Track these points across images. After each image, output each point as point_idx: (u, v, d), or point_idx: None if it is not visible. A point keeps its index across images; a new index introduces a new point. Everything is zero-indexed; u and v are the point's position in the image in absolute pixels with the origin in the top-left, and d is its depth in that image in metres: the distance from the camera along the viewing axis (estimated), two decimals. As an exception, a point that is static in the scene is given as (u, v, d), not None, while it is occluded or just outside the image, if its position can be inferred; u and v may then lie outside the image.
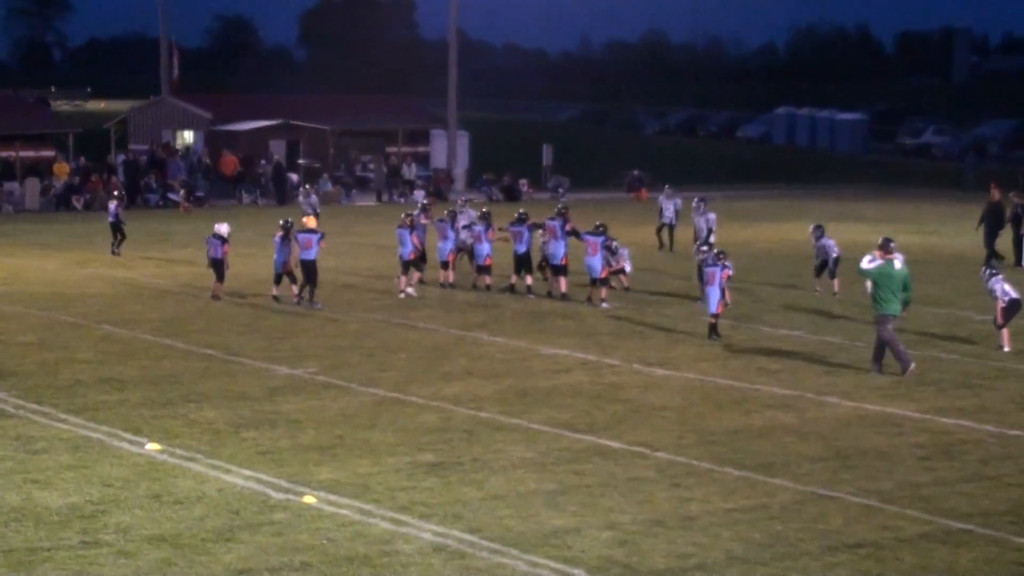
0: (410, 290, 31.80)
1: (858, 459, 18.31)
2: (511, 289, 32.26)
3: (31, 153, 59.86)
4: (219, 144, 61.76)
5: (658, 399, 21.74)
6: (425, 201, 37.34)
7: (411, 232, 31.64)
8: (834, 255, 32.22)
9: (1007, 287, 26.03)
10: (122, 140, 65.78)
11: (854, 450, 18.76)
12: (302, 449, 18.47)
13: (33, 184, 55.36)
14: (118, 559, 14.21)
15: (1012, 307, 25.96)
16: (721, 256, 27.01)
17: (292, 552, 14.46)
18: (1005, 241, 39.74)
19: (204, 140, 63.27)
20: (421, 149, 68.17)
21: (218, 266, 31.00)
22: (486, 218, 33.14)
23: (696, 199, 38.18)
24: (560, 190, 61.96)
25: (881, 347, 23.77)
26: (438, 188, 60.25)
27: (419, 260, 32.04)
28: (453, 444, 18.81)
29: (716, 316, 26.82)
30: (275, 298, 30.63)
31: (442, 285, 32.92)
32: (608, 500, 16.37)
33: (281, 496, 16.34)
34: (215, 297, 31.00)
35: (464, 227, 33.91)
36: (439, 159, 67.35)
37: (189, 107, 65.18)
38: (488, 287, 32.57)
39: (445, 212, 34.84)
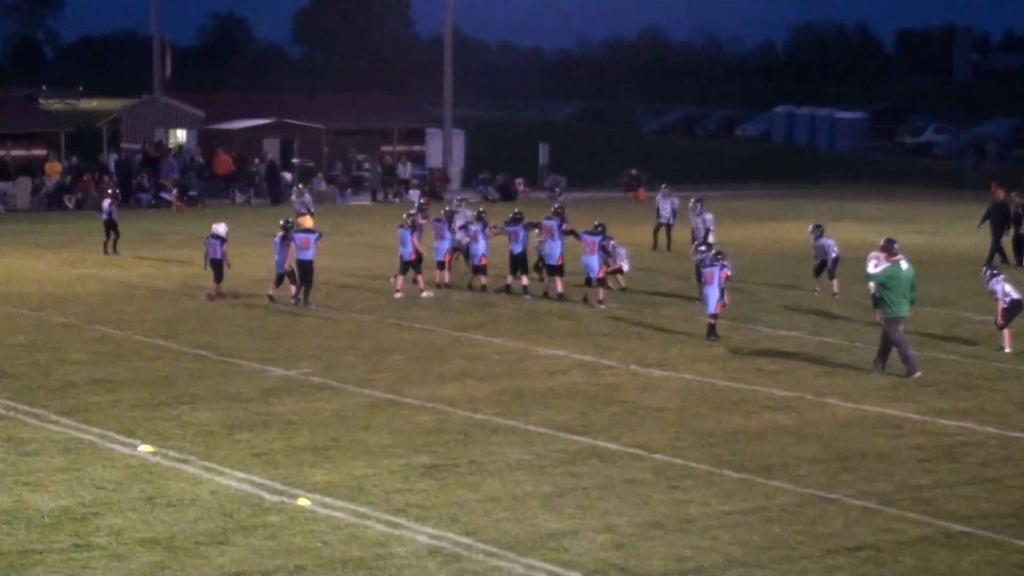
0: (426, 293, 31.68)
1: (858, 461, 18.26)
2: (507, 289, 32.18)
3: (22, 152, 59.65)
4: (212, 143, 61.61)
5: (656, 400, 21.67)
6: (422, 201, 37.22)
7: (413, 233, 31.54)
8: (833, 255, 32.12)
9: (1008, 287, 25.94)
10: (114, 139, 65.61)
11: (854, 452, 18.70)
12: (296, 451, 18.40)
13: (24, 183, 55.21)
14: (110, 562, 14.15)
15: (1013, 308, 25.86)
16: (720, 256, 26.91)
17: (286, 555, 14.39)
18: (1006, 241, 39.66)
19: (197, 139, 63.10)
20: (416, 148, 68.02)
21: (218, 266, 30.89)
22: (482, 218, 33.04)
23: (693, 200, 38.07)
24: (557, 189, 61.86)
25: (887, 349, 23.67)
26: (434, 187, 60.12)
27: (418, 261, 31.93)
28: (449, 446, 18.74)
29: (715, 316, 26.72)
30: (270, 298, 30.51)
31: (438, 285, 32.82)
32: (605, 502, 16.31)
33: (275, 498, 16.28)
34: (211, 297, 30.86)
35: (460, 227, 33.80)
36: (435, 158, 67.21)
37: (182, 106, 65.02)
38: (484, 287, 32.48)
39: (442, 212, 34.73)
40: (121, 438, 18.91)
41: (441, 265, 33.19)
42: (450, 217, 33.87)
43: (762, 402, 21.62)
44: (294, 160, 61.82)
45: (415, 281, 32.11)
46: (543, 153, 68.51)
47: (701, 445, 18.95)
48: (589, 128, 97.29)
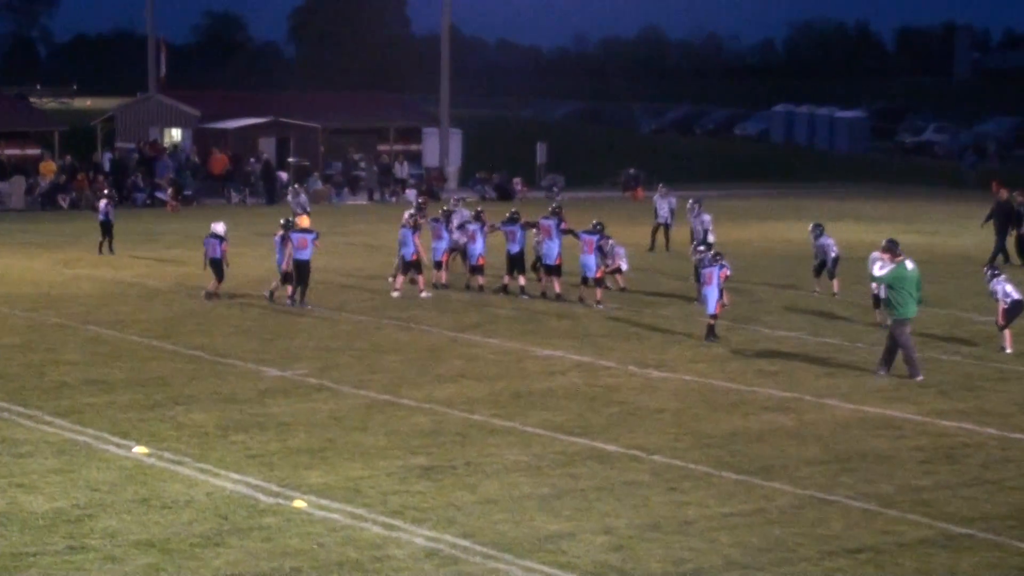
0: (425, 293, 31.59)
1: (858, 462, 18.21)
2: (504, 289, 32.10)
3: (16, 151, 59.51)
4: (207, 142, 61.50)
5: (654, 401, 21.60)
6: (420, 200, 37.11)
7: (415, 233, 31.48)
8: (833, 255, 32.02)
9: (1009, 288, 25.87)
10: (109, 138, 65.48)
11: (854, 453, 18.64)
12: (292, 452, 18.35)
13: (19, 183, 55.08)
14: (105, 564, 14.10)
15: (1014, 308, 25.79)
16: (719, 257, 26.82)
17: (282, 557, 14.34)
18: (1009, 241, 39.62)
19: (192, 138, 62.99)
20: (413, 147, 67.96)
21: (217, 266, 30.82)
22: (480, 217, 32.96)
23: (690, 201, 37.97)
24: (555, 189, 61.78)
25: (893, 351, 23.58)
26: (431, 187, 60.02)
27: (419, 261, 31.86)
28: (446, 447, 18.69)
29: (714, 317, 26.64)
30: (270, 295, 30.43)
31: (435, 286, 32.72)
32: (603, 504, 16.26)
33: (271, 500, 16.23)
34: (210, 296, 30.77)
35: (458, 227, 33.71)
36: (431, 157, 67.14)
37: (177, 104, 64.92)
38: (481, 287, 32.40)
39: (439, 212, 34.65)
40: (116, 439, 18.85)
41: (438, 265, 33.10)
42: (447, 217, 33.79)
43: (761, 403, 21.56)
44: (290, 159, 61.74)
45: (414, 281, 32.04)
46: (541, 152, 68.43)
47: (700, 446, 18.89)
48: (587, 127, 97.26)
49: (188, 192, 56.61)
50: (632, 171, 64.98)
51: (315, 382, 22.63)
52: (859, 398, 21.92)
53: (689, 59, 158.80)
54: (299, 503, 16.05)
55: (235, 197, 57.77)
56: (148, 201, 55.72)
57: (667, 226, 41.37)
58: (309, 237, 30.09)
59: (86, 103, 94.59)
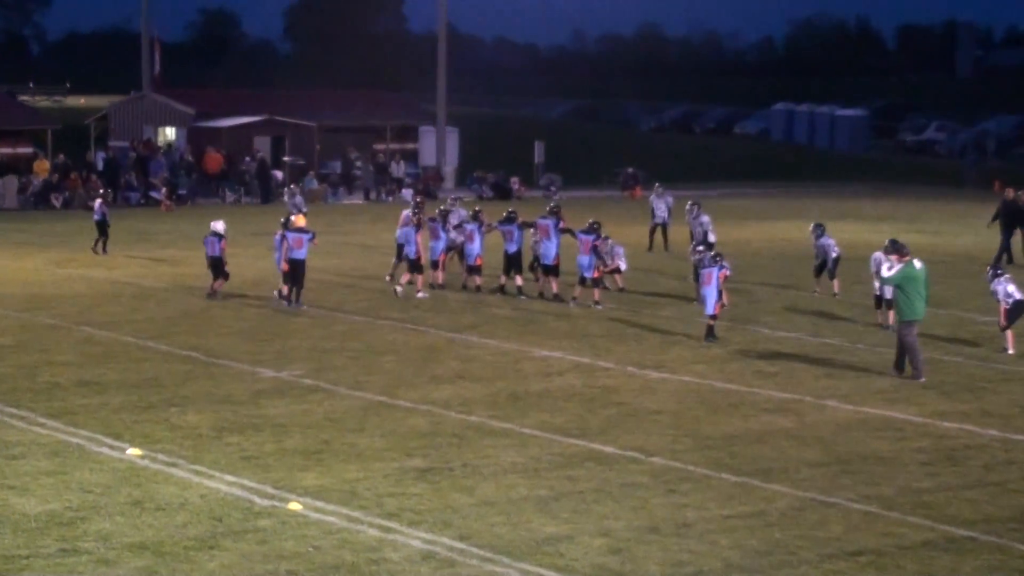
0: (421, 293, 31.46)
1: (858, 464, 18.16)
2: (501, 290, 32.02)
3: (8, 150, 59.34)
4: (202, 141, 61.39)
5: (653, 403, 21.54)
6: (417, 200, 37.02)
7: (417, 231, 31.42)
8: (834, 255, 31.91)
9: (1010, 288, 25.76)
10: (102, 137, 65.35)
11: (854, 455, 18.59)
12: (287, 454, 18.30)
13: (11, 182, 54.97)
14: (98, 567, 14.08)
15: (1016, 309, 25.68)
16: (719, 257, 26.73)
17: (277, 560, 14.31)
18: (1014, 241, 39.58)
19: (186, 137, 62.88)
20: (409, 146, 67.85)
21: (216, 264, 30.75)
22: (478, 217, 32.85)
23: (689, 203, 37.87)
24: (552, 188, 61.69)
25: (904, 353, 23.44)
26: (427, 186, 59.93)
27: (418, 261, 31.76)
28: (442, 449, 18.63)
29: (713, 317, 26.55)
30: (279, 293, 30.37)
31: (432, 286, 32.62)
32: (602, 507, 16.22)
33: (266, 503, 16.20)
34: (211, 295, 30.74)
35: (455, 226, 33.62)
36: (428, 156, 67.05)
37: (171, 103, 64.83)
38: (479, 287, 32.31)
39: (436, 211, 34.56)
40: (109, 441, 18.80)
41: (435, 265, 33.02)
42: (445, 216, 33.69)
43: (761, 404, 21.50)
44: (285, 158, 61.62)
45: (411, 282, 31.94)
46: (539, 151, 68.32)
47: (699, 448, 18.84)
48: (585, 126, 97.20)
49: (182, 191, 56.50)
50: (631, 170, 64.89)
51: (310, 383, 22.57)
52: (860, 399, 21.85)
53: (688, 57, 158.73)
54: (294, 505, 16.01)
55: (230, 196, 57.67)
56: (142, 200, 55.62)
57: (665, 226, 41.27)
58: (304, 237, 30.01)
59: (79, 101, 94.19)
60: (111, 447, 18.47)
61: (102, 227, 38.87)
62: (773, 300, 32.00)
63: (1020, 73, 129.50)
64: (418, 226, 31.67)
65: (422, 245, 31.87)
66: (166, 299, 31.30)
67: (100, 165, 58.04)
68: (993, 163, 76.32)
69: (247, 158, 59.49)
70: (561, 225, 31.39)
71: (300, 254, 29.86)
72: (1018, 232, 39.79)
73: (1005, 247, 38.96)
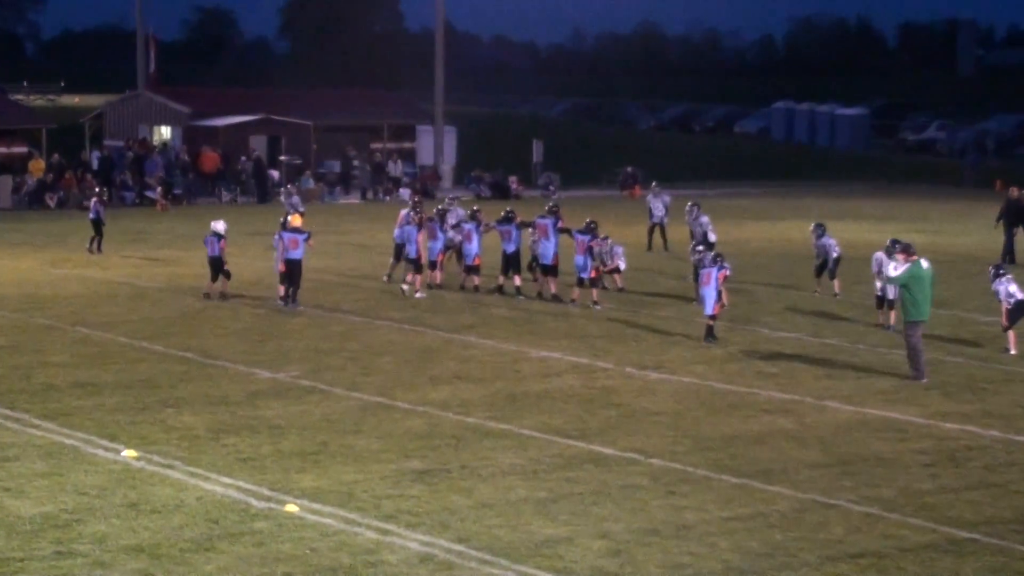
0: (419, 294, 31.38)
1: (859, 466, 18.11)
2: (500, 290, 31.94)
3: (3, 149, 59.15)
4: (198, 140, 61.27)
5: (652, 404, 21.49)
6: (415, 199, 36.93)
7: (419, 231, 31.34)
8: (835, 255, 31.82)
9: (1012, 288, 25.69)
10: (97, 136, 65.22)
11: (855, 456, 18.55)
12: (284, 456, 18.25)
13: (5, 181, 54.86)
14: (93, 570, 14.04)
15: (1018, 309, 25.62)
16: (719, 257, 26.64)
17: (274, 562, 14.27)
18: (1018, 240, 39.63)
19: (182, 136, 62.74)
20: (407, 145, 67.74)
21: (215, 264, 30.72)
22: (476, 217, 32.77)
23: (688, 204, 37.80)
24: (551, 187, 61.60)
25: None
26: (425, 186, 59.82)
27: (418, 261, 31.69)
28: (440, 451, 18.58)
29: (712, 318, 26.48)
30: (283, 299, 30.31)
31: (430, 286, 32.54)
32: (601, 508, 16.18)
33: (262, 504, 16.15)
34: (208, 295, 30.70)
35: (453, 226, 33.54)
36: (426, 155, 66.96)
37: (166, 102, 64.72)
38: (477, 288, 32.23)
39: (434, 211, 34.48)
40: (104, 442, 18.74)
41: (433, 265, 32.94)
42: (442, 216, 33.61)
43: (761, 405, 21.45)
44: (281, 157, 61.49)
45: (408, 281, 31.86)
46: (537, 150, 68.24)
47: (699, 449, 18.79)
48: (584, 125, 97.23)
49: (178, 191, 56.38)
50: (630, 169, 64.82)
51: (307, 384, 22.51)
52: (861, 400, 21.80)
53: (688, 55, 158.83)
54: (291, 507, 15.96)
55: (226, 196, 57.55)
56: (137, 200, 55.47)
57: (662, 225, 41.18)
58: (300, 237, 29.93)
59: (74, 100, 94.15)
60: (106, 449, 18.41)
61: (97, 226, 38.81)
62: (773, 300, 31.93)
63: (1021, 72, 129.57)
64: (419, 225, 31.61)
65: (422, 245, 31.79)
66: (162, 299, 31.22)
67: (95, 164, 57.87)
68: (993, 162, 76.26)
69: (243, 157, 59.37)
70: (559, 225, 31.31)
71: (296, 254, 29.79)
72: (1019, 231, 39.73)
73: (1009, 247, 38.91)
